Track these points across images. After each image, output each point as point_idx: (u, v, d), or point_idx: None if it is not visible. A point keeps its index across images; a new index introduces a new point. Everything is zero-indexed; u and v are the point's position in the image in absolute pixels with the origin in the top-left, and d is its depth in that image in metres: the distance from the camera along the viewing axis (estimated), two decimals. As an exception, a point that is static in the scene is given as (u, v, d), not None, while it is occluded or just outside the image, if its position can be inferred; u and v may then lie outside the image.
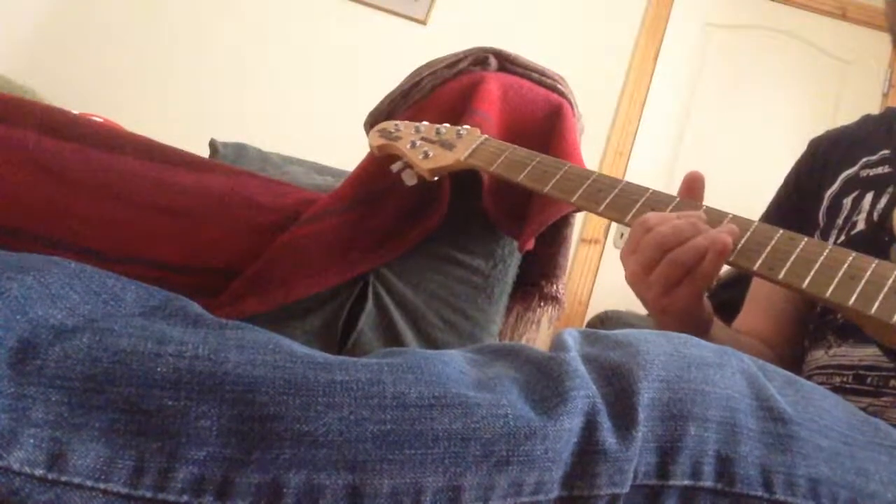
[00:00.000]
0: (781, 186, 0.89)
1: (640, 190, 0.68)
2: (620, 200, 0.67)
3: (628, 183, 0.69)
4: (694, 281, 0.60)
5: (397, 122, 0.90)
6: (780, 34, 2.94)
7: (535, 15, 2.89)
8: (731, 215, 0.63)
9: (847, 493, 0.44)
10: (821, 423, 0.46)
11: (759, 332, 0.82)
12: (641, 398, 0.41)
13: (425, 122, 0.88)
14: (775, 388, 0.47)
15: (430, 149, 0.83)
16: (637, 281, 0.63)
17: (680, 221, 0.61)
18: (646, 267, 0.62)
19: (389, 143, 0.87)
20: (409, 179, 0.86)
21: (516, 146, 0.79)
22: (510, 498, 0.39)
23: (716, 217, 0.63)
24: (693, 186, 0.67)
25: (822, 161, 0.84)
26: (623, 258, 0.65)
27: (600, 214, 0.68)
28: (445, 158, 0.81)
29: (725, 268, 0.62)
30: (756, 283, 0.87)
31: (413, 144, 0.84)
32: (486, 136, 0.83)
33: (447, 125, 0.86)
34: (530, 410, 0.40)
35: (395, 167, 0.87)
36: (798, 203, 0.84)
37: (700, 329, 0.66)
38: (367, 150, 1.00)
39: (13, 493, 0.34)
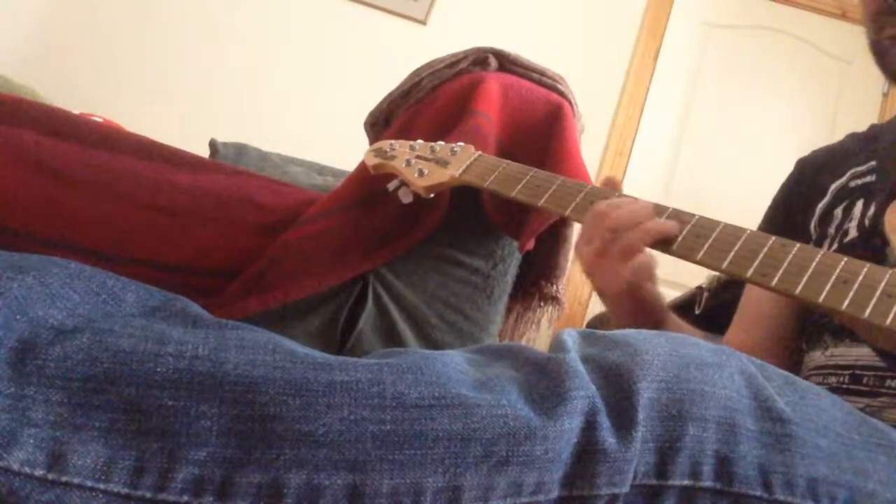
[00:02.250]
0: (770, 206, 0.90)
1: None
2: None
3: (620, 194, 0.71)
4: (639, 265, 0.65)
5: (392, 141, 0.91)
6: (780, 34, 2.94)
7: (535, 15, 2.89)
8: (670, 209, 0.68)
9: (845, 493, 0.44)
10: (819, 423, 0.46)
11: (749, 343, 0.82)
12: (641, 398, 0.42)
13: (420, 141, 0.89)
14: (774, 388, 0.47)
15: (425, 166, 0.84)
16: (591, 269, 0.69)
17: (633, 206, 0.67)
18: (600, 251, 0.67)
19: (385, 162, 0.88)
20: (405, 197, 0.88)
21: (510, 161, 0.80)
22: (510, 498, 0.39)
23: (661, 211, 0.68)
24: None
25: (811, 177, 0.85)
26: (577, 250, 0.71)
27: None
28: (440, 175, 0.83)
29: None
30: (745, 295, 0.87)
31: (408, 163, 0.86)
32: (480, 152, 0.84)
33: (441, 143, 0.88)
34: (530, 411, 0.40)
35: (392, 186, 0.89)
36: (787, 220, 0.84)
37: (650, 318, 0.71)
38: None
39: (13, 493, 0.34)
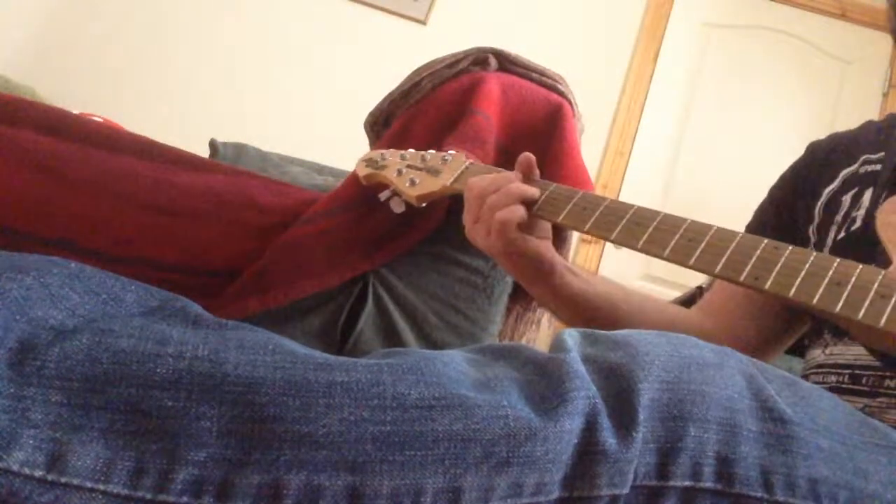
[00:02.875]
0: (776, 185, 0.89)
1: (625, 207, 0.70)
2: (605, 218, 0.69)
3: (613, 200, 0.71)
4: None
5: (383, 150, 0.91)
6: (780, 34, 2.94)
7: (535, 15, 2.89)
8: (540, 181, 0.75)
9: (846, 494, 0.44)
10: (820, 423, 0.46)
11: (710, 327, 0.83)
12: (641, 399, 0.41)
13: (411, 150, 0.89)
14: (774, 389, 0.47)
15: (417, 176, 0.84)
16: (472, 235, 0.77)
17: (495, 176, 0.76)
18: (474, 217, 0.75)
19: (376, 172, 0.88)
20: (398, 207, 0.88)
21: (502, 169, 0.81)
22: (510, 499, 0.39)
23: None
24: (528, 168, 0.78)
25: (822, 160, 0.84)
26: (464, 223, 0.78)
27: (586, 233, 0.71)
28: (432, 184, 0.83)
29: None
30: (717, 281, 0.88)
31: (399, 172, 0.86)
32: (471, 160, 0.85)
33: (432, 151, 0.88)
34: (530, 411, 0.40)
35: (383, 196, 0.89)
36: (793, 200, 0.84)
37: (537, 270, 0.77)
38: (367, 150, 1.00)
39: (13, 494, 0.34)
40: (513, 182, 0.74)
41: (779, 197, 0.87)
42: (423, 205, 0.86)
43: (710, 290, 0.89)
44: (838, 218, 0.76)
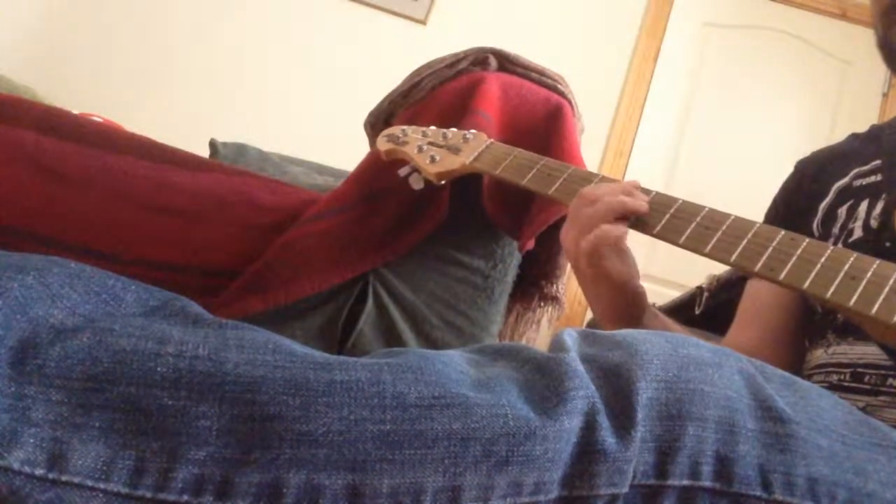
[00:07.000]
0: (770, 208, 0.90)
1: (643, 192, 0.69)
2: None
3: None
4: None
5: (404, 127, 0.90)
6: (780, 34, 2.94)
7: (535, 15, 2.89)
8: (654, 192, 0.68)
9: (845, 493, 0.44)
10: (819, 422, 0.46)
11: (748, 342, 0.82)
12: (640, 398, 0.41)
13: (432, 127, 0.89)
14: (773, 388, 0.47)
15: (437, 153, 0.84)
16: (569, 246, 0.69)
17: (611, 185, 0.68)
18: (581, 231, 0.67)
19: (397, 147, 0.88)
20: (417, 184, 0.87)
21: (521, 150, 0.80)
22: (510, 498, 0.39)
23: (665, 201, 0.67)
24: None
25: (812, 177, 0.85)
26: (563, 236, 0.70)
27: None
28: (452, 162, 0.82)
29: (726, 268, 0.62)
30: (746, 296, 0.87)
31: (420, 149, 0.85)
32: (492, 140, 0.84)
33: (454, 129, 0.87)
34: (530, 411, 0.40)
35: (403, 172, 0.88)
36: (789, 222, 0.84)
37: (632, 305, 0.70)
38: (368, 149, 1.00)
39: (13, 493, 0.34)
40: (620, 193, 0.67)
41: (774, 220, 0.87)
42: (443, 182, 0.86)
43: (731, 329, 0.86)
44: (835, 230, 0.77)
